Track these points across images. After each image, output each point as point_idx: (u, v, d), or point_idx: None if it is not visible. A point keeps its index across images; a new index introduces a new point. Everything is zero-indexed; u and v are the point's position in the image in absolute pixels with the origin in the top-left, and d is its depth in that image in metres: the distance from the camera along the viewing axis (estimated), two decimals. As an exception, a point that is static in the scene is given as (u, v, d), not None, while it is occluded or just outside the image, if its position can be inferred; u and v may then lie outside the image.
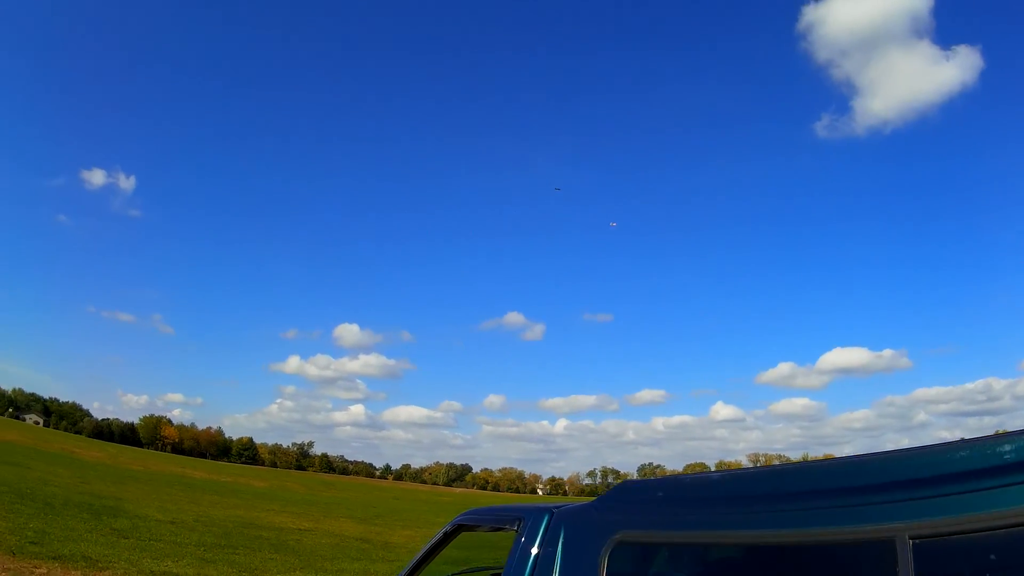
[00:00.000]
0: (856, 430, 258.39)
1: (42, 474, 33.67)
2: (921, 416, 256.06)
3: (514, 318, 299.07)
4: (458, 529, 4.41)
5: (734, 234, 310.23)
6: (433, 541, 4.52)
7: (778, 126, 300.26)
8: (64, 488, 28.61)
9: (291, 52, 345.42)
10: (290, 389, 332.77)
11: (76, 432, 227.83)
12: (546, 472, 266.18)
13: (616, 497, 2.71)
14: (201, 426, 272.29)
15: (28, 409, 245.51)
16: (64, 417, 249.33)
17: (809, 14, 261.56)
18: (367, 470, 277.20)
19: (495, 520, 4.19)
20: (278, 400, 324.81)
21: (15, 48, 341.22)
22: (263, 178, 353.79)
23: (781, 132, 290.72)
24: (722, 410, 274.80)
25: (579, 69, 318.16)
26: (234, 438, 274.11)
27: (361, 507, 56.12)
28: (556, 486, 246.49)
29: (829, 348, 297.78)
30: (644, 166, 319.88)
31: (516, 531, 3.22)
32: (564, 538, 2.78)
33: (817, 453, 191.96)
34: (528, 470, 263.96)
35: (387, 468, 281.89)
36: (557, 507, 3.10)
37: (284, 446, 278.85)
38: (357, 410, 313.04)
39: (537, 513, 3.17)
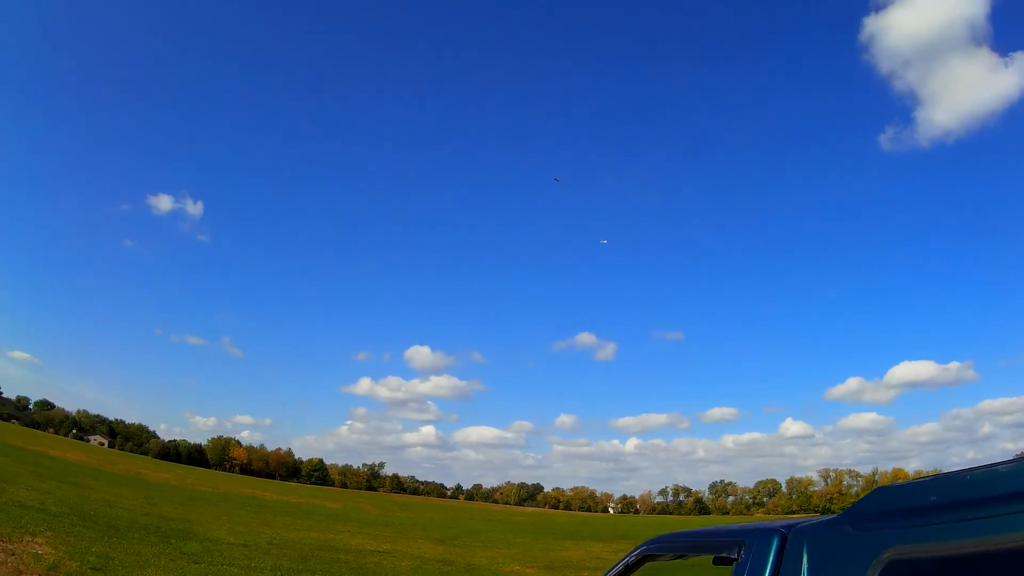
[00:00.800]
0: (923, 444, 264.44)
1: (106, 495, 33.30)
2: (986, 428, 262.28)
3: (586, 338, 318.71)
4: (643, 560, 3.81)
5: (802, 251, 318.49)
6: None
7: (844, 141, 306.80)
8: (129, 510, 27.97)
9: (357, 81, 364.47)
10: (361, 411, 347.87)
11: (142, 453, 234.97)
12: (617, 491, 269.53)
13: (875, 508, 2.26)
14: (270, 448, 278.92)
15: (93, 430, 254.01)
16: (130, 438, 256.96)
17: (870, 25, 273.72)
18: (438, 490, 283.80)
19: (698, 546, 3.66)
20: (348, 422, 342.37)
21: (81, 77, 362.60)
22: (331, 202, 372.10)
23: (847, 147, 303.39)
24: (792, 427, 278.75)
25: (645, 89, 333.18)
26: (304, 459, 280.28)
27: (438, 528, 54.98)
28: (627, 504, 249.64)
29: (897, 362, 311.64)
30: (712, 186, 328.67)
31: (737, 559, 2.78)
32: (810, 563, 2.37)
33: (886, 468, 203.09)
34: (599, 489, 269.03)
35: (458, 488, 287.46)
36: (787, 526, 2.68)
37: (355, 467, 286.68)
38: (428, 431, 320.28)
39: (764, 535, 2.72)
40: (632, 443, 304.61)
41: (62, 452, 79.83)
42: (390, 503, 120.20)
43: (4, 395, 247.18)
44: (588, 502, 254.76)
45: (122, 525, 22.11)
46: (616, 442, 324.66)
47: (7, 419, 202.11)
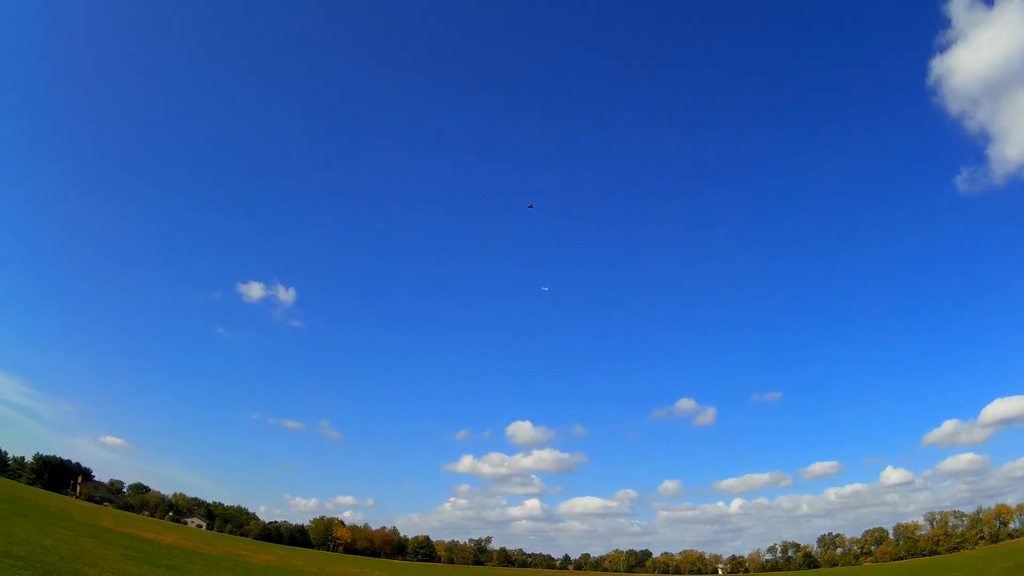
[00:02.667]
0: (1018, 479, 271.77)
1: (201, 578, 33.54)
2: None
3: (685, 404, 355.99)
4: None
5: (888, 301, 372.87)
6: None
7: (922, 187, 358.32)
8: (225, 593, 27.87)
9: (437, 169, 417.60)
10: (464, 488, 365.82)
11: (242, 535, 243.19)
12: (724, 552, 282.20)
13: None
14: (374, 527, 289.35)
15: (190, 513, 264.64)
16: (229, 520, 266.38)
17: (937, 67, 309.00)
18: (546, 562, 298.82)
19: None
20: (452, 499, 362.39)
21: (169, 172, 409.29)
22: (424, 280, 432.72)
23: (926, 193, 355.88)
24: (892, 475, 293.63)
25: (727, 152, 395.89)
26: (409, 537, 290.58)
27: None
28: (736, 565, 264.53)
29: (990, 400, 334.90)
30: (795, 245, 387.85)
31: None
32: None
33: (988, 505, 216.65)
34: (707, 551, 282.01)
35: (566, 559, 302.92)
36: None
37: (461, 542, 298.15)
38: (533, 504, 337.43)
39: None
40: (736, 504, 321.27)
41: (156, 534, 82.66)
42: None
43: (97, 478, 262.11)
44: (697, 564, 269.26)
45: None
46: (720, 504, 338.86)
47: (99, 502, 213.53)
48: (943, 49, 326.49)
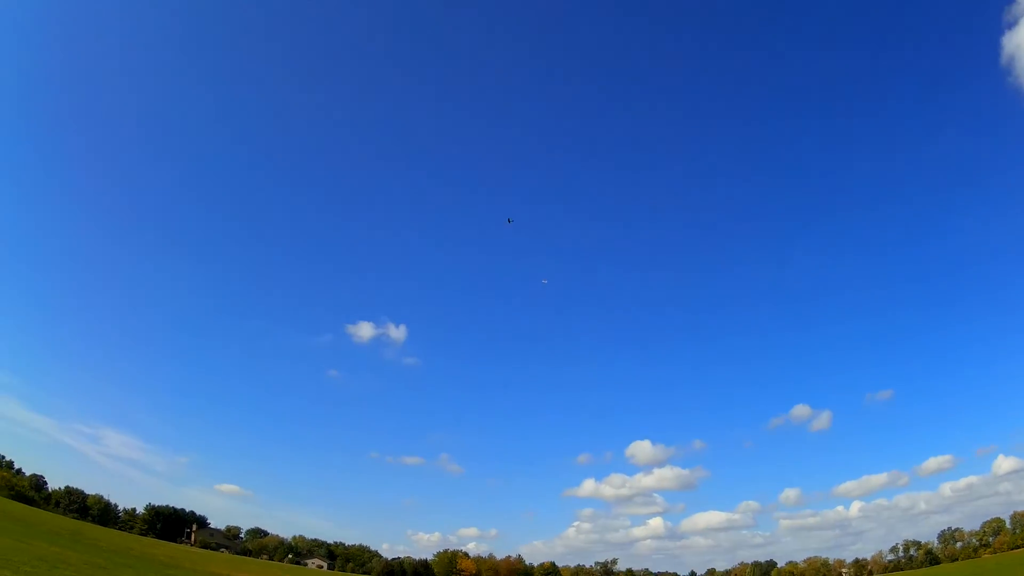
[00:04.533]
0: None
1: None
2: None
3: (800, 410, 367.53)
4: None
5: (985, 281, 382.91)
6: None
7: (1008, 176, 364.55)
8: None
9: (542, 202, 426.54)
10: (587, 512, 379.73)
11: (364, 573, 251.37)
12: (847, 556, 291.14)
13: None
14: (499, 556, 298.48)
15: (310, 555, 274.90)
16: (351, 559, 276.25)
17: (1009, 44, 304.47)
18: None
19: None
20: (575, 523, 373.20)
21: (266, 220, 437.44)
22: (536, 315, 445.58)
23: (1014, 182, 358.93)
24: (1004, 463, 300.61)
25: (817, 143, 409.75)
26: (535, 564, 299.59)
27: None
28: (860, 568, 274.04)
29: None
30: (892, 234, 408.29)
31: None
32: None
33: None
34: (831, 556, 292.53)
35: (692, 575, 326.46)
36: None
37: (587, 566, 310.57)
38: (656, 523, 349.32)
39: None
40: (856, 507, 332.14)
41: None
42: None
43: (213, 526, 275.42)
44: (822, 571, 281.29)
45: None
46: (840, 508, 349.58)
47: (215, 548, 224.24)
48: (1011, 25, 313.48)
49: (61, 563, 38.11)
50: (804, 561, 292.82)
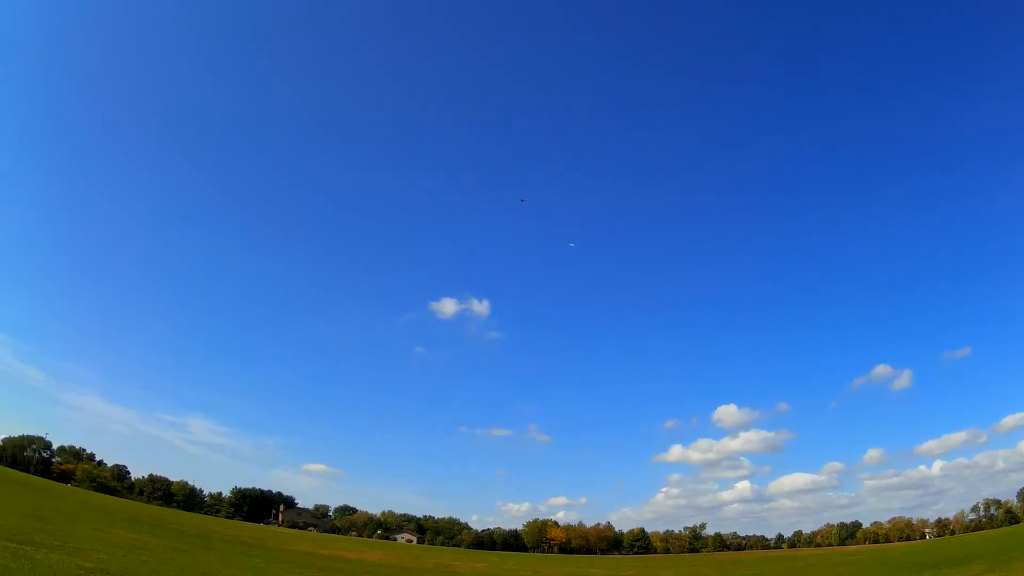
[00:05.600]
0: None
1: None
2: None
3: (882, 370, 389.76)
4: None
5: None
6: None
7: None
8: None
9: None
10: (675, 477, 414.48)
11: (454, 546, 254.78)
12: (929, 515, 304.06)
13: None
14: (588, 524, 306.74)
15: (400, 530, 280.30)
16: (440, 532, 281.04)
17: None
18: (760, 543, 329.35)
19: None
20: (663, 489, 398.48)
21: (351, 198, 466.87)
22: (619, 283, 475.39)
23: None
24: None
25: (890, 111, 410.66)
26: (624, 531, 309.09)
27: None
28: (942, 527, 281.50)
29: None
30: (962, 197, 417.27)
31: None
32: None
33: None
34: (916, 516, 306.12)
35: (780, 538, 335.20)
36: None
37: (676, 531, 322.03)
38: (743, 487, 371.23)
39: None
40: (937, 466, 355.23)
41: (360, 553, 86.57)
42: (724, 561, 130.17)
43: (300, 505, 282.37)
44: (906, 531, 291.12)
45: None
46: (922, 468, 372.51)
47: (303, 528, 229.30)
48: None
49: (139, 548, 37.62)
50: (888, 522, 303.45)
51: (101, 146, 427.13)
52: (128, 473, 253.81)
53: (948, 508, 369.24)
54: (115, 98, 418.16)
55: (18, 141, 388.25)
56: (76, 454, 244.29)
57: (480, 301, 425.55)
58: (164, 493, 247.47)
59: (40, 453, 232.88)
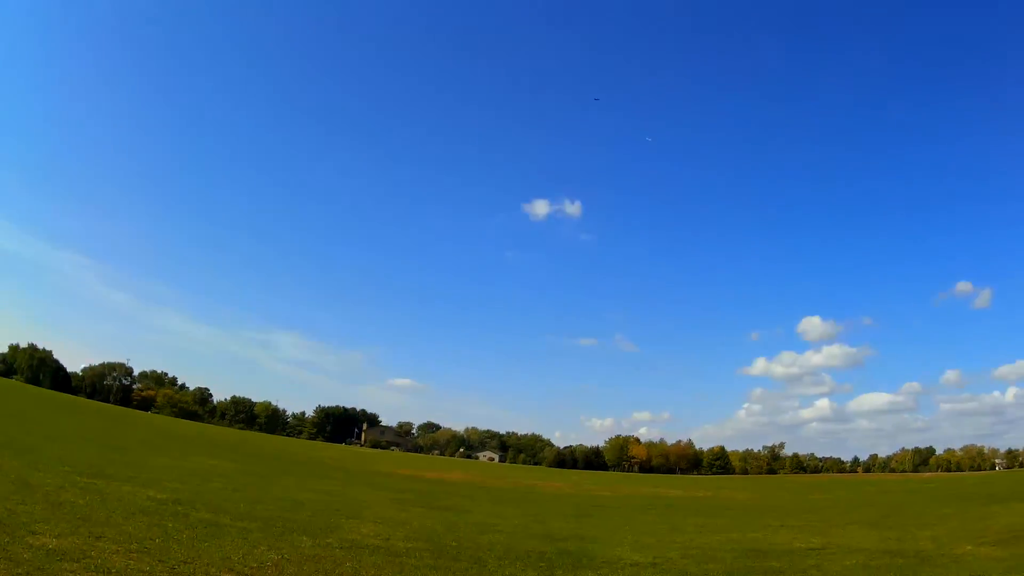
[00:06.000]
0: None
1: (483, 517, 32.73)
2: None
3: (963, 287, 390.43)
4: None
5: None
6: None
7: None
8: (508, 534, 26.46)
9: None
10: (757, 392, 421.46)
11: (536, 464, 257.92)
12: (1001, 445, 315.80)
13: None
14: (670, 442, 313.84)
15: (482, 447, 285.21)
16: (523, 450, 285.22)
17: None
18: (837, 465, 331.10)
19: None
20: (746, 405, 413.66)
21: (435, 101, 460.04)
22: (712, 186, 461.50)
23: None
24: None
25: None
26: (704, 449, 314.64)
27: (857, 509, 54.61)
28: (1012, 459, 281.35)
29: None
30: None
31: None
32: None
33: None
34: (987, 444, 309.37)
35: (856, 460, 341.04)
36: None
37: (755, 451, 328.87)
38: (823, 404, 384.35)
39: None
40: (1011, 393, 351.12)
41: (440, 473, 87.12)
42: (800, 485, 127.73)
43: (384, 423, 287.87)
44: (977, 460, 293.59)
45: (492, 557, 20.16)
46: (996, 394, 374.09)
47: (386, 447, 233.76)
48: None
49: (216, 475, 37.44)
50: (960, 449, 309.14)
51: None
52: (210, 396, 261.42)
53: (1020, 439, 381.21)
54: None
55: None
56: (158, 379, 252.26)
57: (572, 203, 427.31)
58: (247, 415, 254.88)
59: (121, 380, 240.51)
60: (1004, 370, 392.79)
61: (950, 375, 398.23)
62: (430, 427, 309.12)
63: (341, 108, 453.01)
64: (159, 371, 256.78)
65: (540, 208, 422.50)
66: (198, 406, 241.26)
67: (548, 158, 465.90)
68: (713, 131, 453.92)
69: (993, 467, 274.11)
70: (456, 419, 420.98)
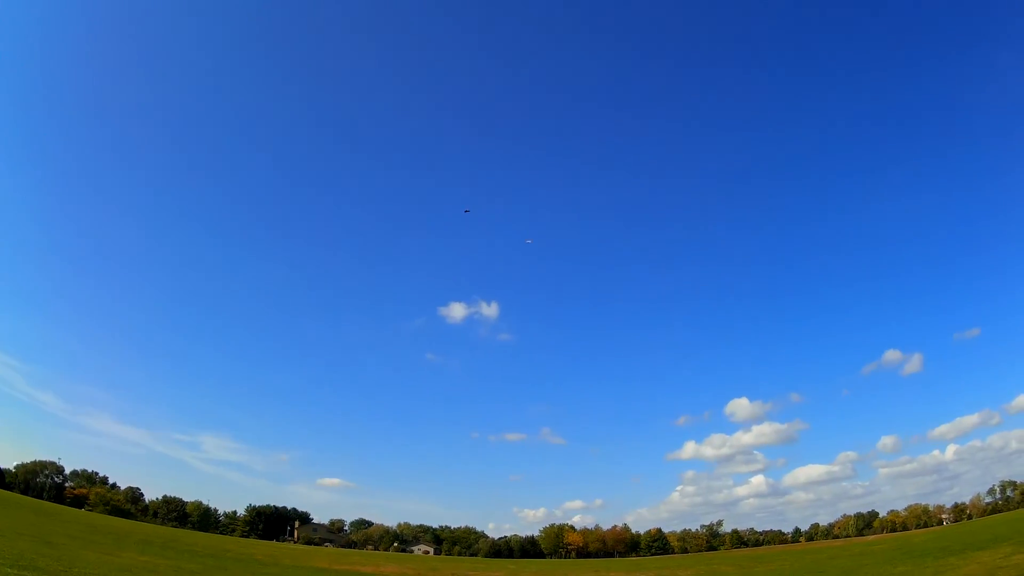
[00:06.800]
0: None
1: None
2: None
3: (892, 355, 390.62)
4: None
5: None
6: None
7: None
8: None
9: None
10: (689, 474, 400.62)
11: (471, 555, 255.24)
12: (945, 501, 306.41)
13: None
14: (605, 527, 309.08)
15: (416, 541, 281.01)
16: (457, 542, 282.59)
17: None
18: (778, 537, 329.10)
19: None
20: (679, 487, 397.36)
21: (356, 207, 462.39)
22: (623, 284, 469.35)
23: None
24: None
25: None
26: (641, 532, 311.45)
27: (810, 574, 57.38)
28: (959, 512, 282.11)
29: None
30: (962, 177, 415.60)
31: None
32: None
33: None
34: (932, 502, 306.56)
35: (797, 531, 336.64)
36: None
37: (693, 530, 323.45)
38: (758, 481, 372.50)
39: None
40: (951, 450, 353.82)
41: (376, 567, 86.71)
42: (744, 558, 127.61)
43: (316, 521, 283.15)
44: (923, 518, 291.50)
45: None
46: (936, 452, 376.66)
47: (319, 543, 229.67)
48: None
49: (148, 572, 37.82)
50: (905, 509, 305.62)
51: (104, 152, 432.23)
52: (142, 495, 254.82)
53: (963, 492, 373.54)
54: (116, 103, 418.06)
55: (22, 148, 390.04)
56: (89, 478, 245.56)
57: (489, 304, 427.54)
58: (179, 514, 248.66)
59: (53, 478, 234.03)
60: (942, 429, 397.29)
61: (886, 440, 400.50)
62: (362, 523, 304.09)
63: (266, 212, 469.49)
64: (90, 470, 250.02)
65: (457, 311, 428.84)
66: (130, 504, 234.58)
67: (462, 262, 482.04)
68: (624, 220, 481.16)
69: (940, 523, 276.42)
70: (388, 515, 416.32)
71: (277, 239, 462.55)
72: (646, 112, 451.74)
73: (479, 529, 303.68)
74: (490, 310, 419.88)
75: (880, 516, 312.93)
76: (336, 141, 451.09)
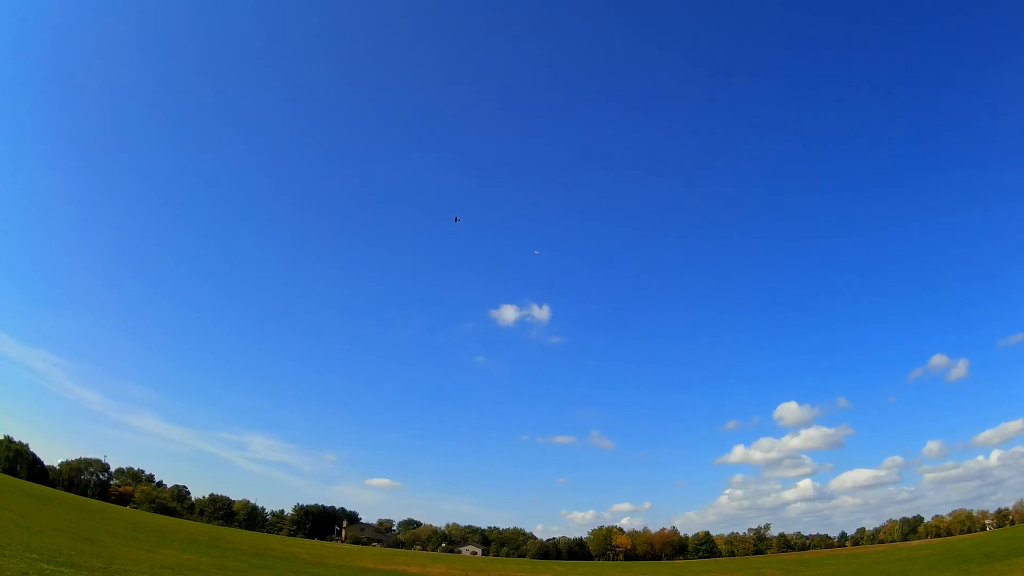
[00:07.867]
0: None
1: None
2: None
3: (938, 360, 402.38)
4: None
5: None
6: None
7: None
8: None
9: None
10: (737, 478, 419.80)
11: (519, 556, 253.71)
12: (988, 506, 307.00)
13: None
14: (653, 530, 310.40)
15: (464, 542, 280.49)
16: (505, 544, 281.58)
17: None
18: (824, 542, 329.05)
19: None
20: (727, 491, 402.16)
21: (407, 208, 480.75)
22: (671, 282, 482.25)
23: None
24: None
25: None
26: (689, 535, 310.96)
27: None
28: (1002, 518, 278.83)
29: None
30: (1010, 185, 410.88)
31: None
32: None
33: None
34: (976, 508, 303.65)
35: (843, 536, 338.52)
36: None
37: (740, 534, 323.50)
38: (805, 485, 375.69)
39: None
40: (995, 456, 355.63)
41: (422, 567, 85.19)
42: (791, 562, 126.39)
43: (364, 521, 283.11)
44: (967, 523, 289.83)
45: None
46: (980, 458, 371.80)
47: (367, 543, 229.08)
48: None
49: (190, 569, 36.33)
50: (949, 515, 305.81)
51: (155, 149, 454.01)
52: (188, 494, 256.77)
53: (1007, 498, 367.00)
54: (174, 103, 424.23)
55: (68, 148, 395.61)
56: (135, 476, 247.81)
57: (540, 307, 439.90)
58: (225, 513, 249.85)
59: (98, 476, 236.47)
60: (987, 434, 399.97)
61: (932, 446, 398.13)
62: (411, 523, 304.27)
63: (316, 216, 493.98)
64: (135, 468, 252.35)
65: (508, 313, 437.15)
66: (176, 503, 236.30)
67: (512, 264, 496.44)
68: (679, 226, 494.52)
69: (984, 528, 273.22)
70: (436, 516, 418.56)
71: (331, 241, 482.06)
72: (700, 124, 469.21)
73: (527, 531, 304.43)
74: (541, 313, 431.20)
75: (925, 521, 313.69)
76: (393, 146, 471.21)
